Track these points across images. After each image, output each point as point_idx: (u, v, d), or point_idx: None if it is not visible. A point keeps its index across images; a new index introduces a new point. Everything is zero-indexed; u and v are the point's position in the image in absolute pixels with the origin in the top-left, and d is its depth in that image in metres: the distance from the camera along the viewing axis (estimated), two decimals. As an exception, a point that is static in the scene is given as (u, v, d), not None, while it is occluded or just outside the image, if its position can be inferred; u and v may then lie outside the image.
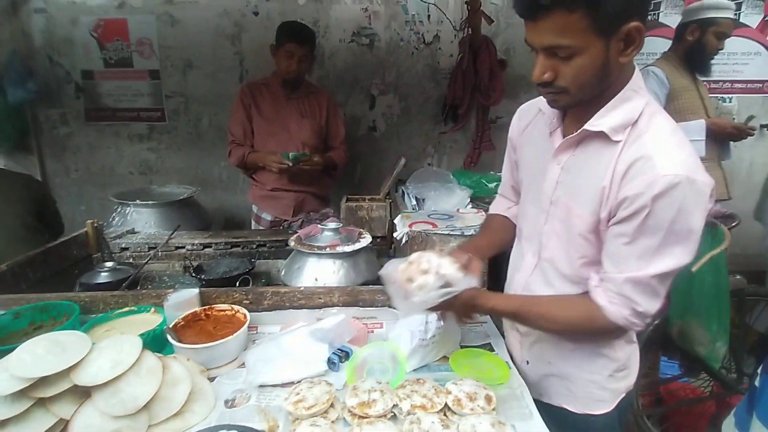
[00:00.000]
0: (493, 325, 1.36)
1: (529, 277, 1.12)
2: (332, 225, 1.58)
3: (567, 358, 1.09)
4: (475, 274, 1.05)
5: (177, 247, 1.88)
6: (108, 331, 1.16)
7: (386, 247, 1.90)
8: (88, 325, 1.14)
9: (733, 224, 1.79)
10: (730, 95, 3.20)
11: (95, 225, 1.83)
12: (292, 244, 1.53)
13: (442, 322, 1.14)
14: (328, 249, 1.47)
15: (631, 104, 0.90)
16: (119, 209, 2.20)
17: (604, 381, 1.08)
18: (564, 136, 1.00)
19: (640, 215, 0.85)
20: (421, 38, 3.07)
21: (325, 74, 3.09)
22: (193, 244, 1.88)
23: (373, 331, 1.31)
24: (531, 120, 1.13)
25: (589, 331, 1.03)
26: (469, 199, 1.90)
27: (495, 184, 2.31)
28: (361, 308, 1.34)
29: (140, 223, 2.14)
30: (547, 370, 1.13)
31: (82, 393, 0.90)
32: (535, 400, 1.13)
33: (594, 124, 0.91)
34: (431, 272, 0.96)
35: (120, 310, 1.23)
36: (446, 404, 0.95)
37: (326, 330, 1.17)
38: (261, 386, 1.04)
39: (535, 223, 1.08)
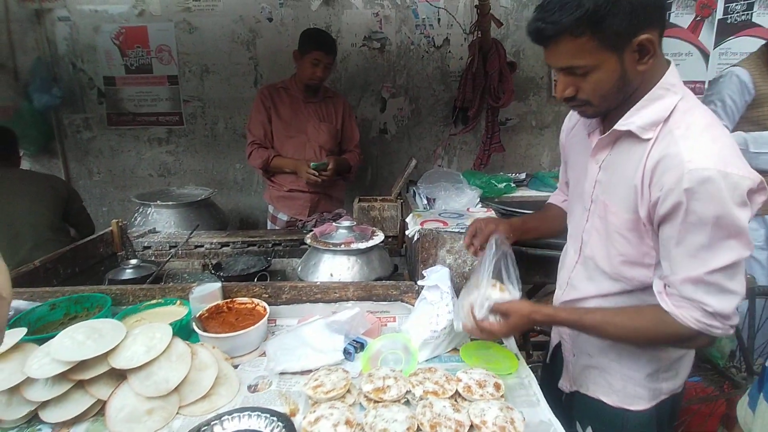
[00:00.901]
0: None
1: (571, 272, 1.15)
2: (346, 223, 1.64)
3: (607, 351, 1.09)
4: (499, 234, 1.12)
5: (196, 246, 1.95)
6: (138, 321, 1.23)
7: (398, 246, 1.96)
8: (119, 316, 1.21)
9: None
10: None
11: (120, 224, 1.92)
12: (308, 241, 1.59)
13: (452, 315, 1.19)
14: (342, 246, 1.53)
15: (663, 102, 0.91)
16: (141, 210, 2.29)
17: (642, 378, 1.07)
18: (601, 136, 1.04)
19: (678, 213, 0.85)
20: (431, 42, 3.13)
21: (337, 78, 3.16)
22: (211, 243, 1.96)
23: (386, 325, 1.37)
24: (577, 121, 1.16)
25: (665, 339, 0.97)
26: (478, 199, 1.95)
27: (504, 184, 2.36)
28: (374, 302, 1.40)
29: (161, 223, 2.23)
30: (588, 362, 1.15)
31: (118, 376, 0.97)
32: (575, 392, 1.20)
33: (623, 123, 0.94)
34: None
35: (148, 302, 1.30)
36: (457, 391, 1.00)
37: (342, 322, 1.22)
38: (281, 373, 1.10)
39: (579, 221, 1.12)
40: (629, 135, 0.94)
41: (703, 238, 0.84)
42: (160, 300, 1.32)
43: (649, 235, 0.95)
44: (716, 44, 3.14)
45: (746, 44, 3.07)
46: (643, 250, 0.97)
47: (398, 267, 1.75)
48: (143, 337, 1.01)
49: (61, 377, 0.94)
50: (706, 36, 3.13)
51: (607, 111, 0.95)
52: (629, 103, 0.93)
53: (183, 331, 1.18)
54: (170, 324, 1.11)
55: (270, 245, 1.98)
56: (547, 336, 2.03)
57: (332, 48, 2.33)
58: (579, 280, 1.12)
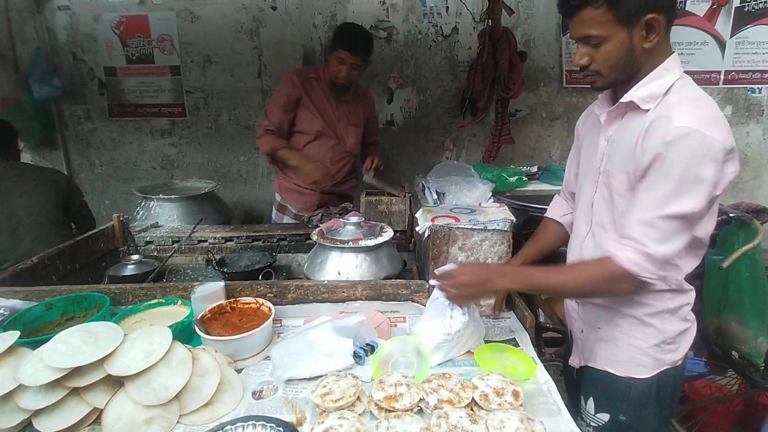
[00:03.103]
0: (518, 321, 1.35)
1: (582, 243, 1.23)
2: (354, 219, 1.58)
3: (615, 324, 1.17)
4: None
5: (200, 241, 1.90)
6: (138, 322, 1.18)
7: (406, 242, 1.89)
8: (118, 317, 1.16)
9: (767, 219, 1.73)
10: (759, 86, 3.10)
11: (121, 219, 1.86)
12: (315, 238, 1.53)
13: (467, 317, 1.14)
14: (350, 243, 1.47)
15: (663, 80, 1.03)
16: (143, 203, 2.24)
17: (648, 348, 1.14)
18: None
19: (655, 163, 0.97)
20: (439, 31, 3.04)
21: (342, 68, 3.08)
22: (215, 238, 1.90)
23: (396, 325, 1.31)
24: (592, 111, 1.27)
25: (602, 281, 1.04)
26: (490, 193, 1.88)
27: (516, 177, 2.29)
28: (384, 302, 1.34)
29: (163, 216, 2.18)
30: (597, 336, 1.22)
31: (115, 383, 0.92)
32: (584, 367, 1.29)
33: (627, 96, 1.06)
34: None
35: (148, 302, 1.25)
36: (473, 399, 0.95)
37: (349, 328, 1.17)
38: (289, 380, 1.05)
39: (588, 195, 1.21)
40: (633, 109, 1.06)
41: (668, 187, 0.96)
42: (160, 300, 1.26)
43: None
44: (733, 33, 3.03)
45: (764, 33, 2.97)
46: None
47: (407, 263, 1.69)
48: (141, 341, 0.96)
49: (56, 384, 0.89)
50: (723, 24, 3.02)
51: (614, 83, 1.08)
52: (635, 81, 1.06)
53: (184, 332, 1.13)
54: (171, 326, 1.05)
55: (275, 240, 1.92)
56: (559, 333, 1.99)
57: (361, 49, 2.11)
58: (588, 250, 1.20)
